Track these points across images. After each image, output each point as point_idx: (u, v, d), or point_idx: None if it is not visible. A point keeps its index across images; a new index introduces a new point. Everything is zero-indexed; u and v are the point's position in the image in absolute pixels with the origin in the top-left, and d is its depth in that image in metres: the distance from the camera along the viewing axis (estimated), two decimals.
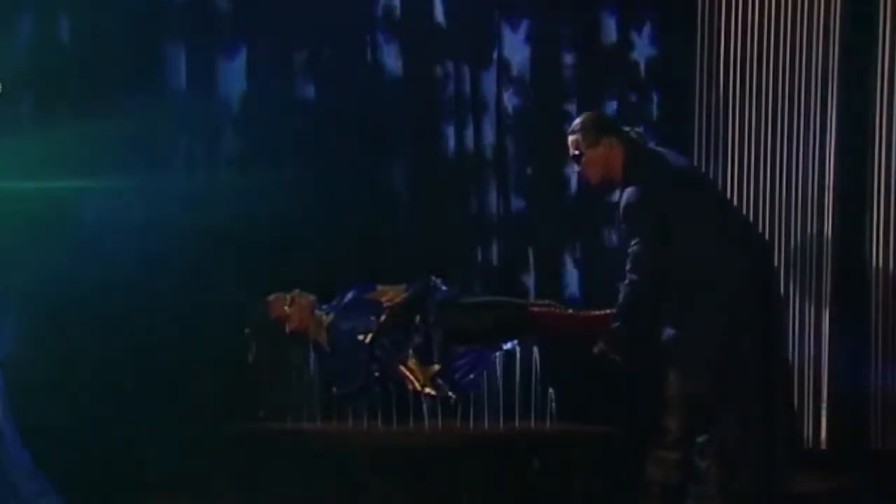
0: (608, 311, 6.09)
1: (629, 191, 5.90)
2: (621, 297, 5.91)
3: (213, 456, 6.55)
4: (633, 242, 5.86)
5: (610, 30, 8.16)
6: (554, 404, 6.49)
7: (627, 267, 5.88)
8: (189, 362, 7.18)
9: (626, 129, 6.20)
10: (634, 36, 8.15)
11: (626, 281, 5.89)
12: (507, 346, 6.48)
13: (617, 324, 5.92)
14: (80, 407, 7.08)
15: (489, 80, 8.01)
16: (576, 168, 6.14)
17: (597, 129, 6.06)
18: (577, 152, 6.07)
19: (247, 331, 6.61)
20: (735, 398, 5.79)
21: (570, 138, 6.10)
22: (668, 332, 5.89)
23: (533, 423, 6.49)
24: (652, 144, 6.37)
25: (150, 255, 7.26)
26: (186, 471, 6.86)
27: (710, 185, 6.54)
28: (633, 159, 5.99)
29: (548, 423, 6.49)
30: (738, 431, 5.77)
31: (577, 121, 6.15)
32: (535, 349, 6.51)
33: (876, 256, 8.05)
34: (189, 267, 7.30)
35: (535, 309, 6.36)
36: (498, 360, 6.49)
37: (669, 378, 5.94)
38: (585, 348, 6.07)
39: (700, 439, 5.93)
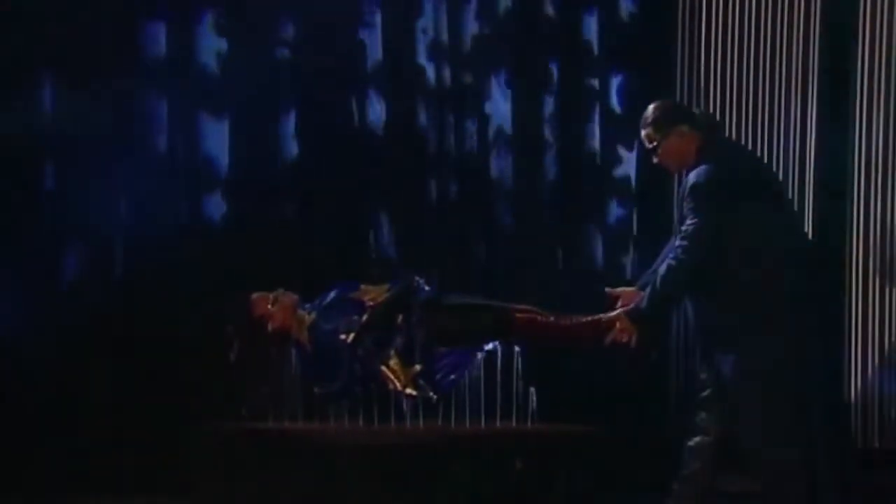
0: (590, 318, 6.07)
1: (700, 169, 5.80)
2: (664, 270, 5.77)
3: (193, 454, 6.55)
4: (690, 222, 5.74)
5: None
6: (535, 403, 6.49)
7: (677, 244, 5.78)
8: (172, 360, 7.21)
9: (697, 112, 6.13)
10: None
11: (673, 256, 5.77)
12: (489, 346, 6.47)
13: (651, 298, 5.80)
14: (63, 404, 7.09)
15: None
16: (654, 159, 6.02)
17: (668, 119, 5.94)
18: (651, 145, 5.97)
19: (229, 329, 6.60)
20: (761, 405, 5.71)
21: (643, 132, 6.00)
22: (702, 320, 5.85)
23: (514, 423, 6.50)
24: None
25: (134, 253, 7.27)
26: (167, 469, 6.87)
27: (778, 185, 6.34)
28: (708, 145, 5.89)
29: (529, 423, 6.49)
30: (759, 441, 5.72)
31: (648, 113, 6.01)
32: (517, 349, 6.51)
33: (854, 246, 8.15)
34: (172, 266, 7.33)
35: (518, 314, 6.32)
36: (479, 359, 6.49)
37: (700, 370, 5.94)
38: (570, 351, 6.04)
39: (695, 441, 5.95)
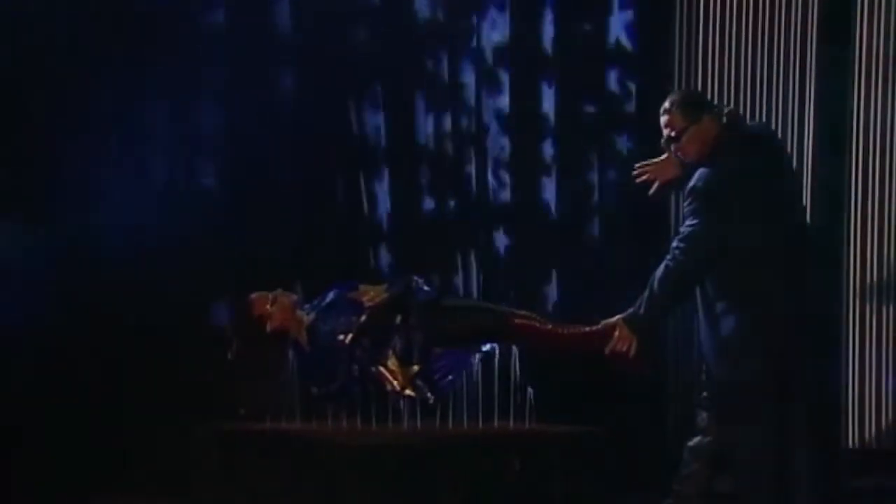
0: (588, 328, 6.03)
1: (702, 172, 5.73)
2: (660, 272, 5.72)
3: (191, 455, 6.55)
4: (689, 223, 5.71)
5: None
6: (533, 404, 6.49)
7: (674, 245, 5.74)
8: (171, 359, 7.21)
9: (716, 106, 6.06)
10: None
11: (670, 257, 5.72)
12: (486, 347, 6.47)
13: (648, 302, 5.75)
14: (60, 404, 7.09)
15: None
16: (672, 147, 5.86)
17: (697, 105, 5.86)
18: (674, 132, 5.82)
19: (228, 329, 6.60)
20: (758, 408, 5.69)
21: (666, 117, 5.83)
22: (703, 328, 5.83)
23: (512, 423, 6.50)
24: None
25: (132, 252, 7.26)
26: (165, 470, 6.88)
27: (790, 183, 6.19)
28: (725, 140, 5.79)
29: (528, 423, 6.49)
30: (757, 443, 5.70)
31: (673, 98, 5.89)
32: (515, 349, 6.50)
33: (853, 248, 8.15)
34: (169, 265, 7.33)
35: (517, 320, 6.28)
36: (477, 360, 6.49)
37: (700, 370, 5.95)
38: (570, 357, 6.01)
39: (695, 441, 5.95)
